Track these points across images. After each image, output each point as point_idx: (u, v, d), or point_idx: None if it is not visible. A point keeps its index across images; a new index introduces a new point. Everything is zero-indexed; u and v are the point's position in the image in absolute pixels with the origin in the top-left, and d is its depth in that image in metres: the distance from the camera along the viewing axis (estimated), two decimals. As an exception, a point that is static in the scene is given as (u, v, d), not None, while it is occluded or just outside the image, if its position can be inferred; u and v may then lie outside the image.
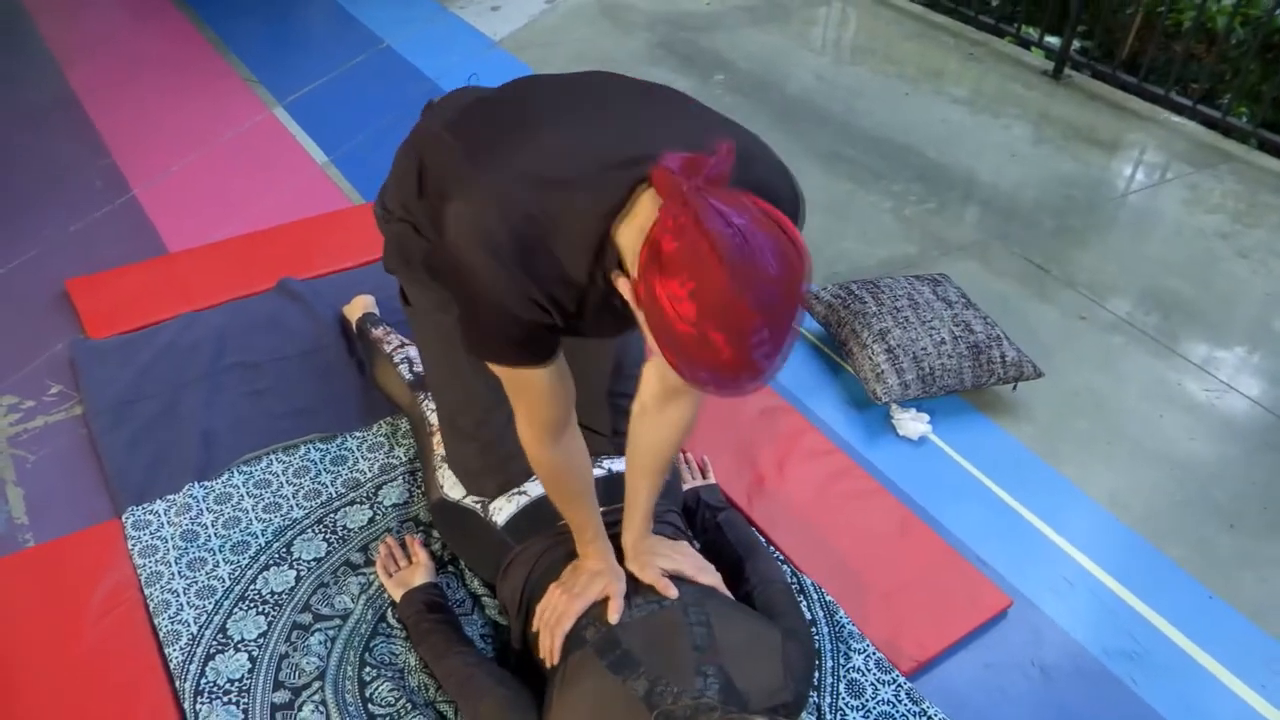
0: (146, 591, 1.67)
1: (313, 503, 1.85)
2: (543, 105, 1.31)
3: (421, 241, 1.48)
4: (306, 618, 1.64)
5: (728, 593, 1.52)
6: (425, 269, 1.51)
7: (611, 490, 1.60)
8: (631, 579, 1.47)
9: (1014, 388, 2.23)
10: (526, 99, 1.34)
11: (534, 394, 1.30)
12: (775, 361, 0.99)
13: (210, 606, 1.65)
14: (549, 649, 1.43)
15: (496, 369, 1.28)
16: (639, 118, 1.27)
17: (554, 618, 1.44)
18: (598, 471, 1.65)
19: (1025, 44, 3.85)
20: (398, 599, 1.63)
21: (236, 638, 1.61)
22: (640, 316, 1.05)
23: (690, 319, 0.96)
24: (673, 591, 1.43)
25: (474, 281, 1.17)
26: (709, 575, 1.51)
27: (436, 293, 1.53)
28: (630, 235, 1.10)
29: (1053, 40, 3.79)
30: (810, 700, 1.55)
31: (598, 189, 1.12)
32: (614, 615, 1.41)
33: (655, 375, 1.40)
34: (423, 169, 1.40)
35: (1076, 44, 3.66)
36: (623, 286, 1.10)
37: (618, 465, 1.66)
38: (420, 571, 1.66)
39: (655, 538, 1.54)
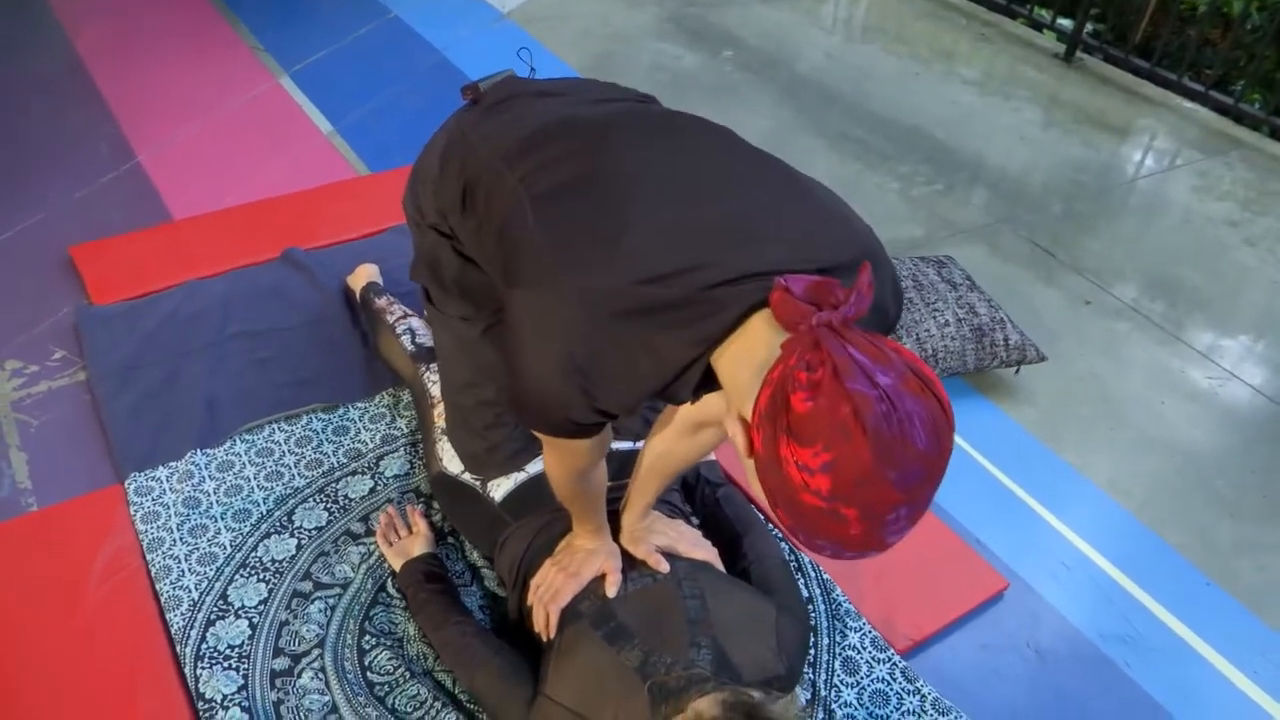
0: (148, 557, 1.68)
1: (314, 472, 1.85)
2: (634, 177, 1.11)
3: (458, 260, 1.41)
4: (307, 586, 1.65)
5: (722, 568, 1.53)
6: (458, 289, 1.44)
7: (610, 467, 1.60)
8: (626, 554, 1.48)
9: (1017, 371, 2.22)
10: (609, 156, 1.15)
11: (571, 452, 1.25)
12: (899, 539, 0.87)
13: (211, 573, 1.66)
14: (544, 624, 1.44)
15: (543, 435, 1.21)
16: (750, 207, 1.09)
17: (549, 594, 1.45)
18: (623, 445, 1.65)
19: (1037, 26, 3.82)
20: (397, 569, 1.64)
21: (237, 604, 1.62)
22: (749, 466, 0.92)
23: (822, 493, 0.83)
24: (664, 566, 1.44)
25: (537, 381, 1.06)
26: (703, 551, 1.52)
27: (462, 308, 1.49)
28: (735, 364, 0.97)
29: (1065, 23, 3.75)
30: (805, 676, 1.56)
31: (700, 315, 0.98)
32: (611, 590, 1.42)
33: (687, 410, 1.33)
34: (470, 192, 1.28)
35: (1089, 27, 3.63)
36: (733, 430, 0.93)
37: (618, 443, 1.66)
38: (420, 542, 1.67)
39: (653, 514, 1.55)
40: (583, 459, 1.28)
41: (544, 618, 1.44)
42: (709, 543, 1.56)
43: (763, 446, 0.87)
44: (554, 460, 1.32)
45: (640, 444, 1.60)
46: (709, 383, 1.03)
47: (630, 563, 1.46)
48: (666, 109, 1.34)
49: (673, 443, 1.41)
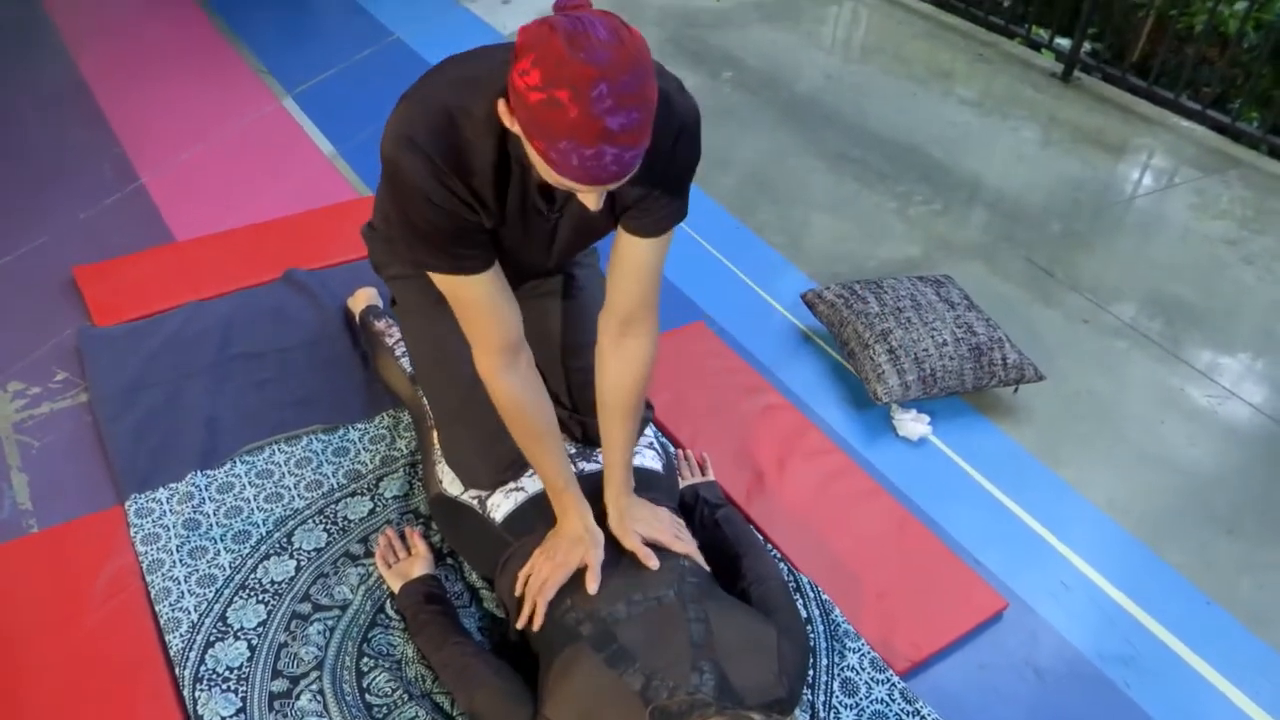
0: (148, 579, 1.68)
1: (314, 493, 1.86)
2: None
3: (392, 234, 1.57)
4: (306, 607, 1.66)
5: (702, 560, 1.55)
6: (386, 245, 1.62)
7: (589, 490, 1.60)
8: (621, 566, 1.49)
9: (1015, 390, 2.23)
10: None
11: (480, 309, 1.38)
12: (626, 129, 1.06)
13: (211, 595, 1.66)
14: (529, 615, 1.46)
15: (441, 284, 1.37)
16: None
17: (537, 584, 1.47)
18: (591, 466, 1.65)
19: (1035, 46, 3.85)
20: (396, 590, 1.64)
21: (236, 626, 1.62)
22: (517, 129, 1.13)
23: (536, 84, 1.05)
24: (654, 562, 1.48)
25: (400, 182, 1.26)
26: (685, 544, 1.55)
27: (416, 280, 1.59)
28: None
29: (1063, 42, 3.78)
30: (804, 698, 1.55)
31: (500, 77, 1.18)
32: (591, 586, 1.45)
33: (606, 316, 1.48)
34: None
35: (1087, 46, 3.65)
36: (500, 109, 1.15)
37: (589, 466, 1.66)
38: (419, 563, 1.67)
39: (637, 501, 1.57)
40: (496, 321, 1.39)
41: (531, 605, 1.46)
42: (688, 533, 1.59)
43: (509, 94, 1.11)
44: (475, 340, 1.42)
45: (593, 462, 1.65)
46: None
47: (635, 584, 1.46)
48: None
49: (604, 365, 1.51)
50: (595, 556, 1.48)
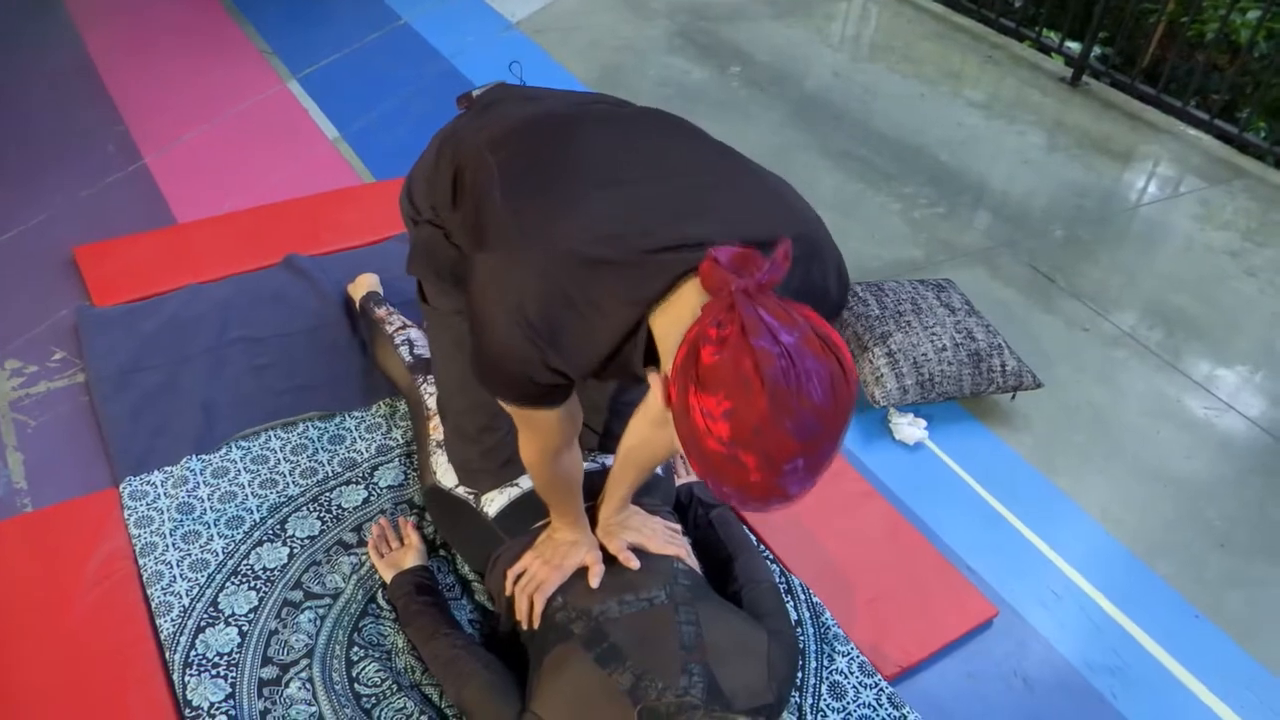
0: (140, 562, 1.69)
1: (309, 480, 1.86)
2: (594, 158, 1.23)
3: (451, 249, 1.44)
4: (297, 595, 1.66)
5: (694, 563, 1.55)
6: (452, 278, 1.48)
7: (603, 485, 1.61)
8: (614, 567, 1.49)
9: (1013, 397, 2.23)
10: (575, 143, 1.26)
11: (541, 429, 1.31)
12: (805, 490, 0.94)
13: (203, 580, 1.66)
14: (526, 613, 1.46)
15: (509, 408, 1.27)
16: (695, 187, 1.19)
17: (532, 585, 1.47)
18: (590, 466, 1.66)
19: (1045, 49, 3.83)
20: (388, 580, 1.65)
21: (227, 612, 1.62)
22: (668, 419, 1.00)
23: (723, 439, 0.90)
24: (634, 563, 1.48)
25: (495, 341, 1.15)
26: (674, 547, 1.54)
27: (457, 300, 1.51)
28: (667, 326, 1.04)
29: (1073, 45, 3.76)
30: (792, 700, 1.56)
31: (640, 276, 1.06)
32: (594, 580, 1.45)
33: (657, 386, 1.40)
34: (459, 179, 1.35)
35: (1097, 50, 3.64)
36: (654, 383, 1.03)
37: (589, 466, 1.66)
38: (412, 554, 1.67)
39: (630, 509, 1.57)
40: (553, 437, 1.32)
41: (527, 605, 1.47)
42: (682, 538, 1.58)
43: (676, 398, 0.95)
44: (526, 439, 1.36)
45: (610, 459, 1.63)
46: (656, 356, 1.09)
47: (628, 584, 1.46)
48: (636, 106, 1.40)
49: (645, 433, 1.45)
50: (595, 558, 1.48)
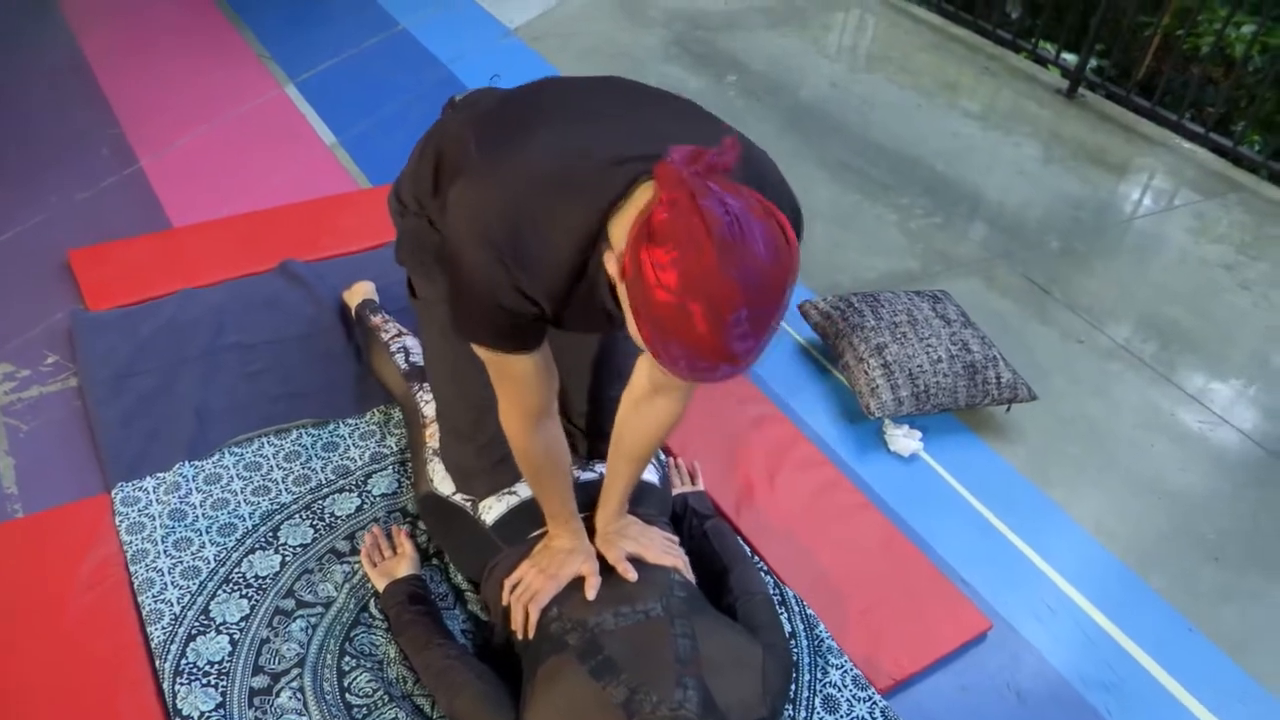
0: (132, 569, 1.68)
1: (302, 488, 1.85)
2: (556, 103, 1.32)
3: (435, 236, 1.48)
4: (289, 603, 1.65)
5: (690, 574, 1.55)
6: (438, 264, 1.51)
7: (585, 499, 1.61)
8: (610, 579, 1.49)
9: (1008, 409, 2.23)
10: (542, 96, 1.34)
11: (518, 380, 1.33)
12: (751, 352, 0.98)
13: (194, 587, 1.65)
14: (521, 623, 1.46)
15: (482, 353, 1.30)
16: (650, 120, 1.27)
17: (528, 595, 1.47)
18: (588, 475, 1.66)
19: (1041, 61, 3.84)
20: (381, 589, 1.64)
21: (219, 620, 1.61)
22: (622, 290, 1.04)
23: (671, 287, 0.95)
24: (632, 575, 1.48)
25: (466, 268, 1.20)
26: (671, 557, 1.54)
27: (445, 287, 1.53)
28: (624, 223, 1.09)
29: (1069, 57, 3.78)
30: (786, 714, 1.55)
31: (599, 185, 1.12)
32: (590, 592, 1.45)
33: (646, 368, 1.44)
34: (440, 165, 1.41)
35: (1093, 62, 3.65)
36: (609, 262, 1.08)
37: (585, 475, 1.66)
38: (404, 563, 1.67)
39: (628, 519, 1.58)
40: (530, 394, 1.34)
41: (523, 615, 1.46)
42: (679, 549, 1.59)
43: (629, 261, 1.00)
44: (506, 400, 1.37)
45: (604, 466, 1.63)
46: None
47: (624, 595, 1.46)
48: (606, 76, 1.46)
49: (630, 411, 1.48)
50: (591, 568, 1.48)
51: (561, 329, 1.29)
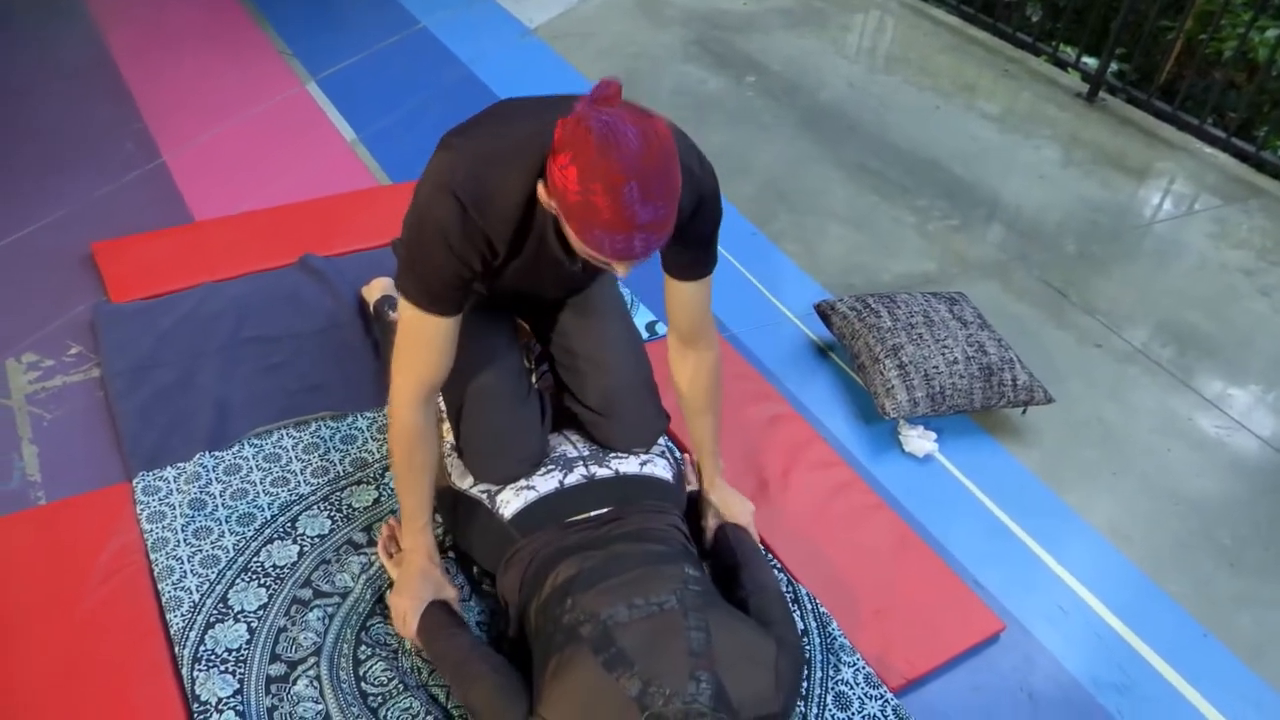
0: (152, 557, 1.70)
1: (320, 480, 1.87)
2: (517, 104, 1.48)
3: None
4: (307, 593, 1.67)
5: (756, 536, 1.72)
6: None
7: (618, 491, 1.63)
8: (623, 570, 1.49)
9: (1024, 412, 2.23)
10: (502, 105, 1.49)
11: (428, 345, 1.46)
12: (654, 223, 1.20)
13: (213, 575, 1.67)
14: (412, 648, 1.60)
15: (407, 313, 1.44)
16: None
17: (399, 623, 1.57)
18: (604, 471, 1.66)
19: (1061, 64, 3.83)
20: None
21: (237, 608, 1.63)
22: (553, 207, 1.25)
23: (574, 182, 1.18)
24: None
25: (421, 208, 1.36)
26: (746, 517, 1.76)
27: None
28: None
29: (1090, 61, 3.76)
30: (797, 710, 1.56)
31: (542, 139, 1.28)
32: (455, 605, 1.60)
33: (672, 334, 1.65)
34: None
35: (1114, 66, 3.64)
36: (540, 191, 1.28)
37: (626, 466, 1.68)
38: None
39: (729, 491, 1.79)
40: (430, 366, 1.47)
41: (410, 640, 1.58)
42: (749, 514, 1.77)
43: (547, 179, 1.24)
44: (405, 366, 1.48)
45: (629, 461, 1.70)
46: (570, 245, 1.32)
47: (639, 588, 1.46)
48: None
49: (679, 374, 1.69)
50: (450, 593, 1.60)
51: (508, 281, 1.48)
